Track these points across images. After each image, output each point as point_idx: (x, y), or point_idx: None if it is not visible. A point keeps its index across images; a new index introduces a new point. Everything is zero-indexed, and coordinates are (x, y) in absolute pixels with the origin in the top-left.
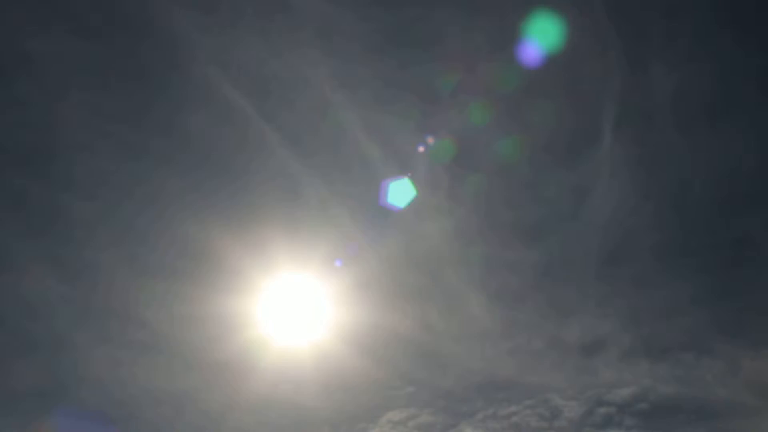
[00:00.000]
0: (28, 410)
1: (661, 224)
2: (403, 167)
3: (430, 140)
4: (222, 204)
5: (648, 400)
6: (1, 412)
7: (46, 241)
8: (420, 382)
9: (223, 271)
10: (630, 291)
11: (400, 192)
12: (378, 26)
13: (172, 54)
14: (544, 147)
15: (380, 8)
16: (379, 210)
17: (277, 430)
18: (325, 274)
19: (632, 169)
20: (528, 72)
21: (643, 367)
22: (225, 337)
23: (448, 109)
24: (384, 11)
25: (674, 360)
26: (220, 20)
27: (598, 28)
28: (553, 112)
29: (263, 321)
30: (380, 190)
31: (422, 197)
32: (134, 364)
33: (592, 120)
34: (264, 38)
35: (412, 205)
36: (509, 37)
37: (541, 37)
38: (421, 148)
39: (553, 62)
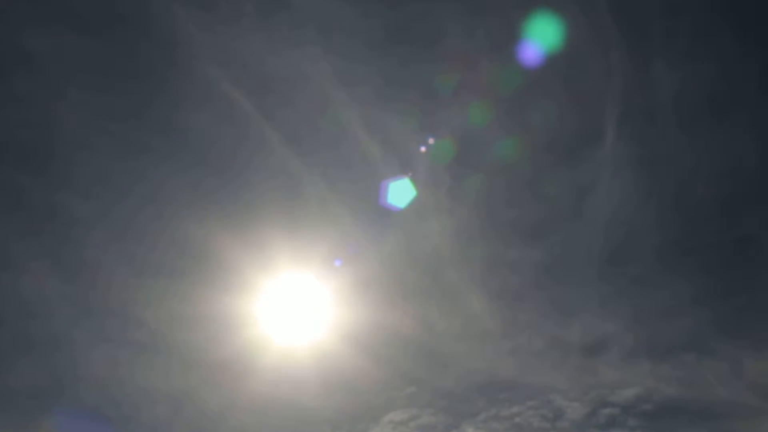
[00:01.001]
0: (26, 409)
1: (663, 224)
2: (404, 166)
3: (431, 139)
4: (222, 202)
5: (652, 401)
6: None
7: (45, 239)
8: (421, 382)
9: (222, 270)
10: (632, 291)
11: (401, 191)
12: (379, 24)
13: (172, 52)
14: (545, 146)
15: (381, 5)
16: (379, 209)
17: (277, 431)
18: (325, 274)
19: (634, 168)
20: (529, 71)
21: (646, 367)
22: (224, 337)
23: (450, 108)
24: (385, 8)
25: (676, 360)
26: (220, 18)
27: (600, 26)
28: (555, 111)
29: (263, 320)
30: (381, 188)
31: (423, 196)
32: (133, 363)
33: (594, 119)
34: (264, 36)
35: (413, 204)
36: (511, 35)
37: (542, 36)
38: (422, 147)
39: (554, 61)
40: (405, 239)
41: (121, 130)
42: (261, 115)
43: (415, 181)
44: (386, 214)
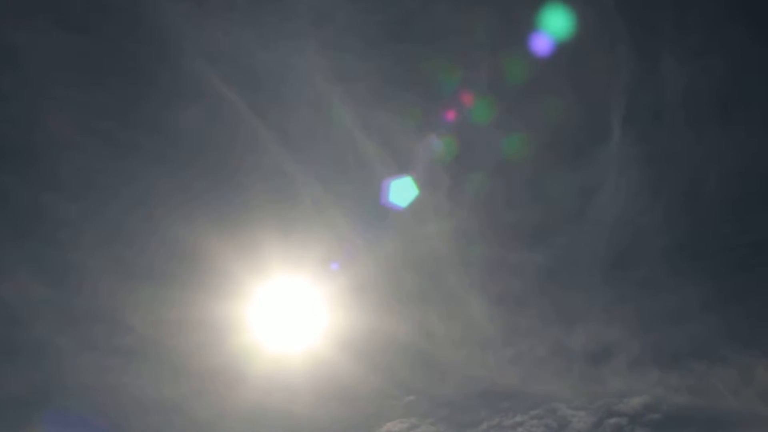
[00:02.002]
0: (9, 419)
1: (671, 225)
2: (402, 166)
3: (431, 138)
4: (213, 204)
5: (660, 411)
6: None
7: (29, 242)
8: (420, 390)
9: (213, 275)
10: (638, 296)
11: (399, 192)
12: (377, 18)
13: (160, 47)
14: (548, 144)
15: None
16: (376, 211)
17: None
18: (321, 278)
19: (641, 167)
20: (533, 67)
21: (653, 375)
22: (216, 343)
23: (450, 106)
24: (383, 2)
25: (685, 369)
26: (209, 10)
27: (607, 21)
28: (559, 109)
29: (255, 326)
30: (378, 190)
31: (422, 197)
32: (121, 371)
33: (600, 116)
34: (256, 29)
35: (411, 205)
36: (514, 30)
37: (546, 31)
38: (421, 147)
39: (559, 57)
40: (403, 242)
41: (109, 128)
42: (253, 112)
43: (413, 181)
44: (384, 215)
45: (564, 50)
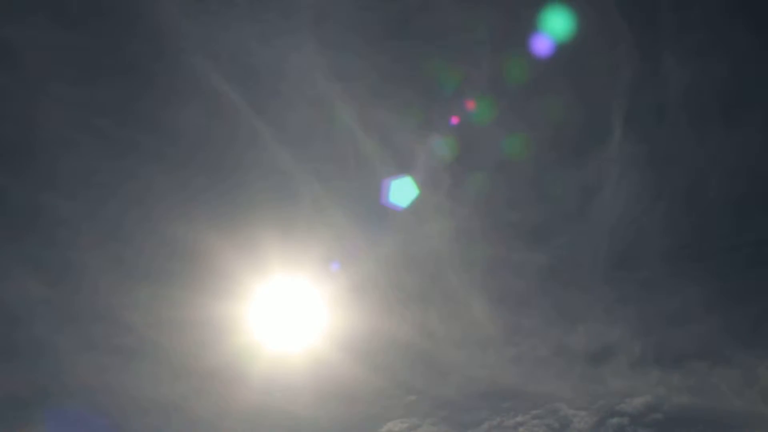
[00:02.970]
0: (8, 418)
1: (672, 226)
2: (403, 165)
3: (431, 137)
4: (212, 203)
5: (662, 411)
6: None
7: (27, 241)
8: (420, 390)
9: (213, 274)
10: (640, 296)
11: (400, 191)
12: (377, 15)
13: (159, 44)
14: (550, 144)
15: None
16: (377, 210)
17: None
18: (321, 277)
19: (643, 167)
20: (534, 66)
21: (655, 376)
22: (215, 343)
23: (451, 105)
24: (384, 0)
25: (687, 369)
26: (208, 8)
27: (608, 20)
28: (560, 108)
29: (255, 326)
30: (378, 189)
31: (422, 196)
32: (120, 370)
33: (601, 116)
34: (256, 26)
35: (412, 204)
36: (515, 29)
37: (547, 30)
38: (421, 146)
39: (560, 56)
40: (404, 241)
41: (107, 126)
42: (252, 110)
43: (414, 180)
44: (384, 215)
45: (565, 50)
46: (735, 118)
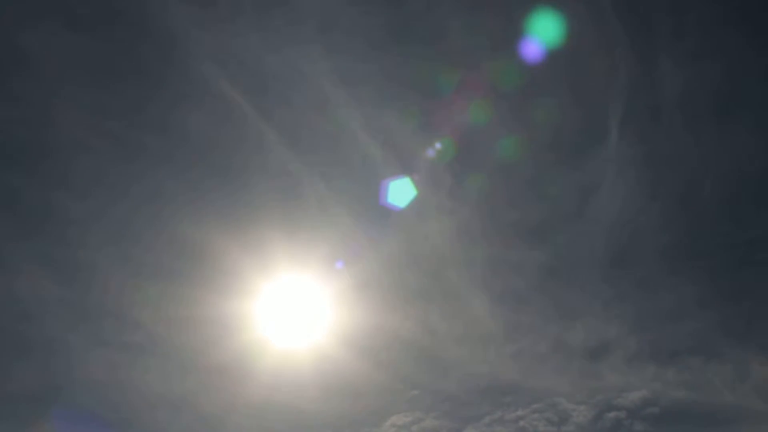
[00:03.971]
0: (22, 414)
1: (668, 225)
2: (405, 166)
3: (433, 138)
4: (220, 203)
5: (659, 405)
6: None
7: (41, 240)
8: (423, 385)
9: (220, 272)
10: (636, 293)
11: (402, 191)
12: (380, 22)
13: (169, 50)
14: (548, 145)
15: (382, 3)
16: (380, 210)
17: None
18: (326, 276)
19: (639, 168)
20: (532, 69)
21: (650, 371)
22: (223, 340)
23: (451, 107)
24: (386, 7)
25: (682, 364)
26: (217, 15)
27: (605, 23)
28: (558, 110)
29: (262, 323)
30: (381, 189)
31: (424, 196)
32: (131, 366)
33: (598, 117)
34: (263, 34)
35: (414, 204)
36: (513, 33)
37: (545, 33)
38: (423, 147)
39: (558, 58)
40: (406, 241)
41: (118, 129)
42: (259, 114)
43: (416, 181)
44: (387, 214)
45: (563, 53)
46: (729, 119)
